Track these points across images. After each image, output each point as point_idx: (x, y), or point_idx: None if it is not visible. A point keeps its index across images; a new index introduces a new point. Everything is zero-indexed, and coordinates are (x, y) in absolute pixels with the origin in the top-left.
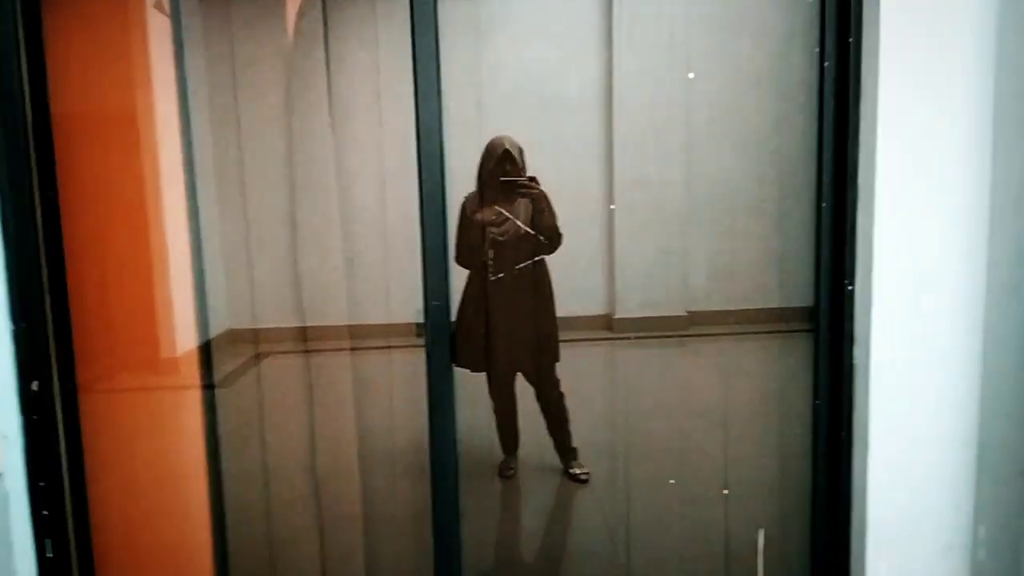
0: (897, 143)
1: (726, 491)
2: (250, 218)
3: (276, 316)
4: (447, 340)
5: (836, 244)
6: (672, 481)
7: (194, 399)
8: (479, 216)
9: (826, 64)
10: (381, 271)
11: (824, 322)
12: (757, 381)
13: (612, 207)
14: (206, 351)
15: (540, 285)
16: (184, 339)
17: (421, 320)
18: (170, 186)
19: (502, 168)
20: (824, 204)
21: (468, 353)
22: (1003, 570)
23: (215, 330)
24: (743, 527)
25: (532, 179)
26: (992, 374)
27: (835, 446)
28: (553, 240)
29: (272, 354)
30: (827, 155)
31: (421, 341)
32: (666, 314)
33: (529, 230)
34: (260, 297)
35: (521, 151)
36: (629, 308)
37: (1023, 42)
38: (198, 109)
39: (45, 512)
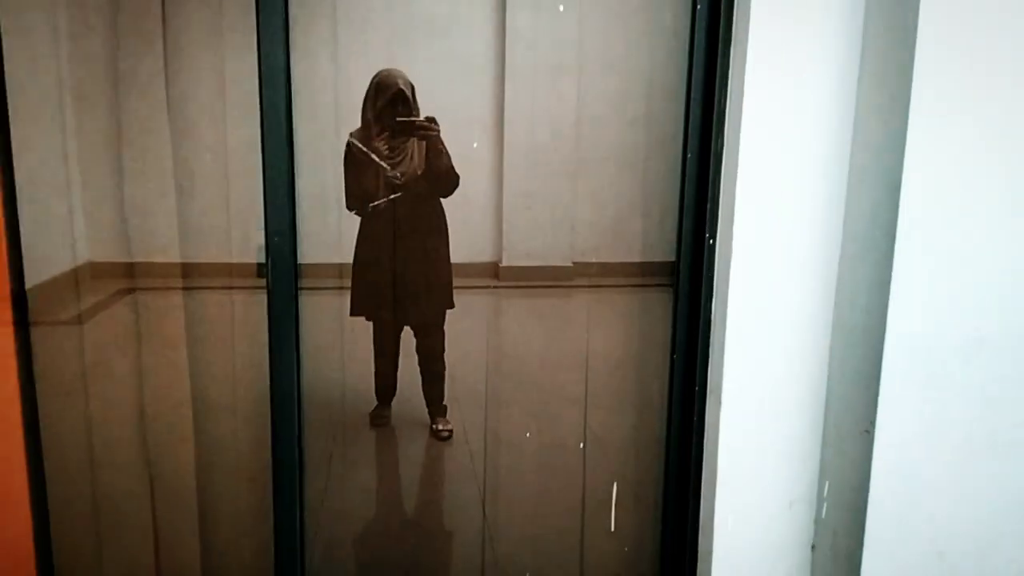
0: (765, 91)
1: (582, 445)
2: (68, 150)
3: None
4: (290, 279)
5: (700, 197)
6: (528, 434)
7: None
8: (370, 156)
9: (698, 6)
10: (219, 203)
11: (684, 276)
12: (624, 334)
13: (475, 145)
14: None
15: (436, 230)
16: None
17: (262, 260)
18: None
19: (394, 108)
20: (690, 155)
21: (364, 301)
22: (844, 525)
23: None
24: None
25: (431, 119)
26: (841, 333)
27: (688, 401)
28: (450, 181)
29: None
30: (695, 101)
31: (262, 283)
32: (553, 264)
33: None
34: (83, 231)
35: (413, 88)
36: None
37: None
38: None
39: None
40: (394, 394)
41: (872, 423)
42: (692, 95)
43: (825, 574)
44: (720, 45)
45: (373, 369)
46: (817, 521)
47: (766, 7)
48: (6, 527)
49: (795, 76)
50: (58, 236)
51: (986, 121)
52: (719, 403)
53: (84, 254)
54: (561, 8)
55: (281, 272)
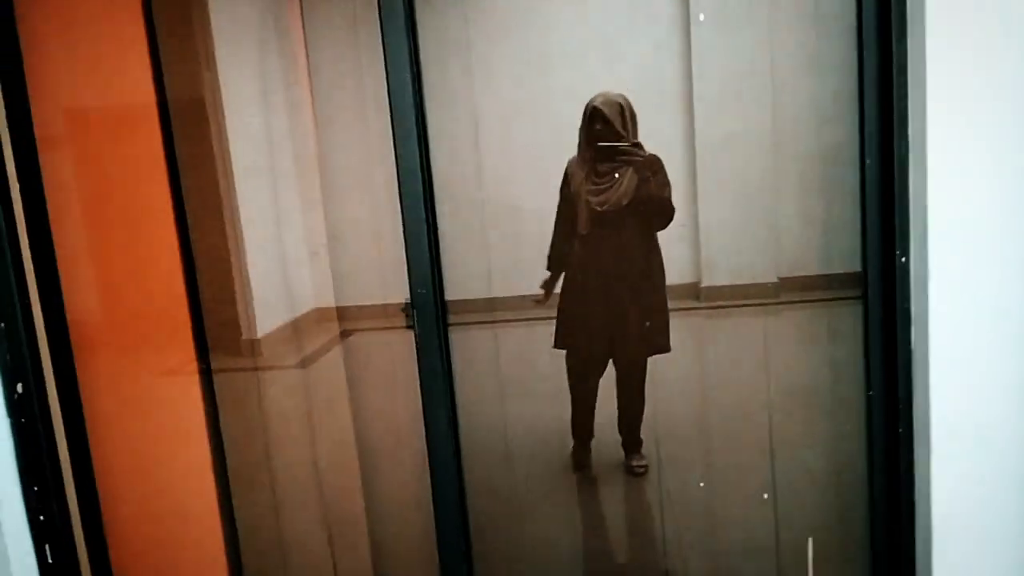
0: (950, 86)
1: (766, 495)
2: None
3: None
4: (435, 329)
5: (884, 208)
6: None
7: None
8: (576, 183)
9: None
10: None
11: (875, 300)
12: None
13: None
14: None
15: (648, 264)
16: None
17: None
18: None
19: (593, 129)
20: (868, 161)
21: (566, 336)
22: None
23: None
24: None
25: (636, 144)
26: None
27: (892, 445)
28: (663, 212)
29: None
30: (870, 101)
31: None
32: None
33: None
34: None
35: (623, 109)
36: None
37: None
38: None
39: (41, 517)
40: (592, 435)
41: None
42: (865, 91)
43: None
44: (893, 29)
45: (571, 408)
46: None
47: None
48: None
49: (986, 64)
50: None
51: None
52: (928, 449)
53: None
54: (701, 17)
55: (426, 323)
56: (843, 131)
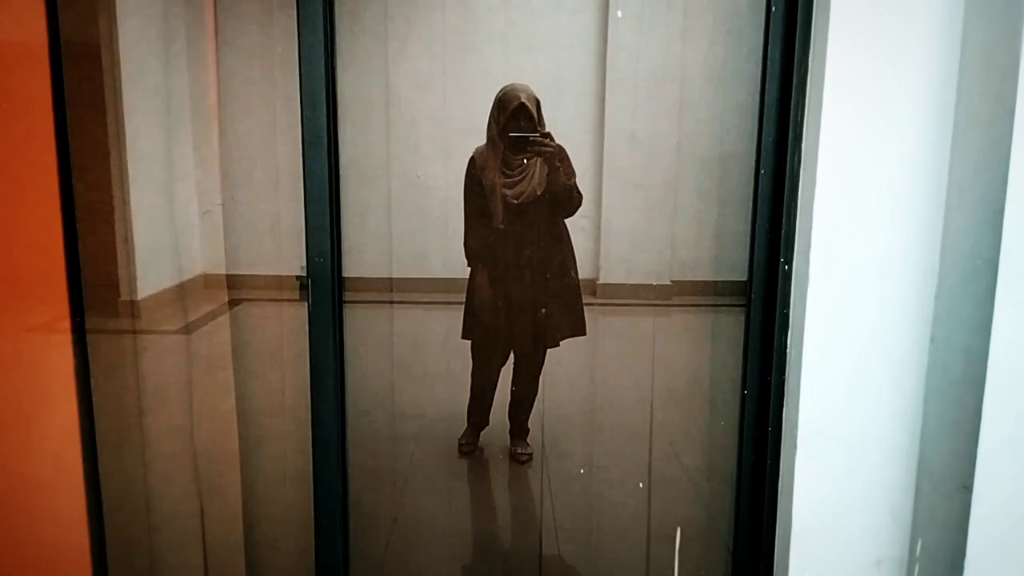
0: (848, 105)
1: (641, 484)
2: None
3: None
4: (330, 303)
5: (773, 217)
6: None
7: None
8: (488, 175)
9: (773, 9)
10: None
11: (757, 304)
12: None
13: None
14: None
15: (560, 252)
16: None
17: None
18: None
19: (516, 124)
20: (763, 171)
21: (477, 328)
22: None
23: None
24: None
25: (546, 135)
26: (937, 378)
27: (761, 443)
28: (572, 201)
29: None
30: (769, 115)
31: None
32: (650, 282)
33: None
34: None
35: (538, 103)
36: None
37: None
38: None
39: None
40: (487, 423)
41: (970, 479)
42: (766, 105)
43: None
44: (797, 50)
45: (470, 395)
46: None
47: (848, 10)
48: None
49: (883, 88)
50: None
51: None
52: (794, 447)
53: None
54: (619, 14)
55: (321, 295)
56: (742, 141)
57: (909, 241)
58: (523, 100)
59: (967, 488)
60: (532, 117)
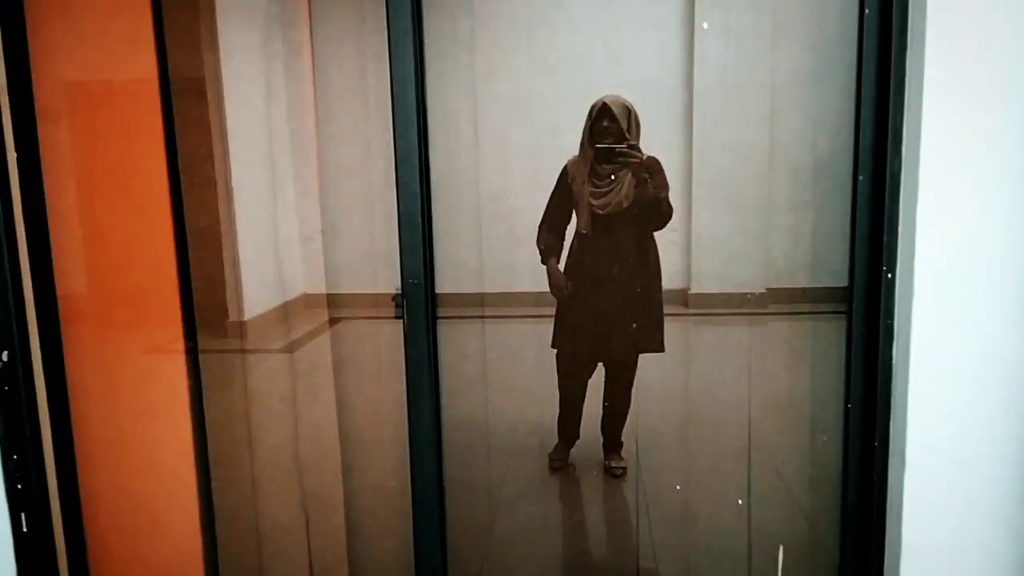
0: (948, 108)
1: (741, 502)
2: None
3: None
4: (424, 321)
5: (874, 224)
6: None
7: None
8: (578, 184)
9: (867, 11)
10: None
11: (859, 315)
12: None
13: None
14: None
15: (645, 265)
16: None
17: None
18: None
19: (600, 125)
20: (861, 177)
21: (565, 336)
22: None
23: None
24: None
25: (632, 145)
26: None
27: (867, 459)
28: (662, 213)
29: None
30: (866, 118)
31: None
32: (744, 291)
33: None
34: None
35: (629, 111)
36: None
37: None
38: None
39: (19, 486)
40: (578, 437)
41: None
42: (862, 109)
43: None
44: (893, 51)
45: (559, 408)
46: None
47: (946, 12)
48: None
49: (982, 89)
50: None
51: None
52: (903, 463)
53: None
54: (705, 26)
55: (416, 315)
56: (838, 147)
57: (1017, 245)
58: (606, 101)
59: None
60: (615, 118)
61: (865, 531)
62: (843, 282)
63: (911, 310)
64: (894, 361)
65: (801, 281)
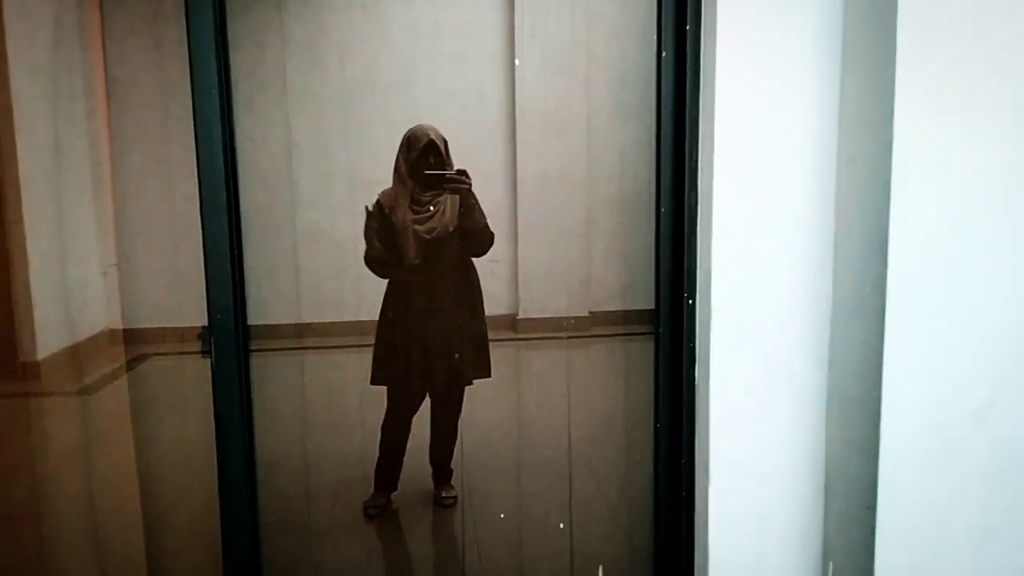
0: (738, 143)
1: (562, 525)
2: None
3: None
4: (234, 356)
5: (675, 253)
6: (502, 516)
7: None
8: (398, 214)
9: (663, 55)
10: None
11: (665, 338)
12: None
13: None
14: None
15: (470, 292)
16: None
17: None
18: None
19: (426, 161)
20: (663, 209)
21: (389, 370)
22: None
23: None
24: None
25: (461, 172)
26: (837, 401)
27: (676, 476)
28: (485, 239)
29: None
30: (665, 154)
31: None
32: (569, 315)
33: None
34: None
35: (446, 142)
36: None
37: (868, 39)
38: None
39: None
40: (398, 479)
41: (873, 499)
42: (662, 146)
43: None
44: (688, 91)
45: (379, 451)
46: None
47: (734, 55)
48: None
49: (769, 126)
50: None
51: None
52: (707, 477)
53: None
54: (517, 62)
55: (224, 352)
56: (645, 178)
57: (803, 272)
58: (432, 138)
59: (871, 508)
60: (441, 154)
61: (675, 544)
62: (652, 305)
63: (709, 333)
64: (697, 382)
65: (619, 304)
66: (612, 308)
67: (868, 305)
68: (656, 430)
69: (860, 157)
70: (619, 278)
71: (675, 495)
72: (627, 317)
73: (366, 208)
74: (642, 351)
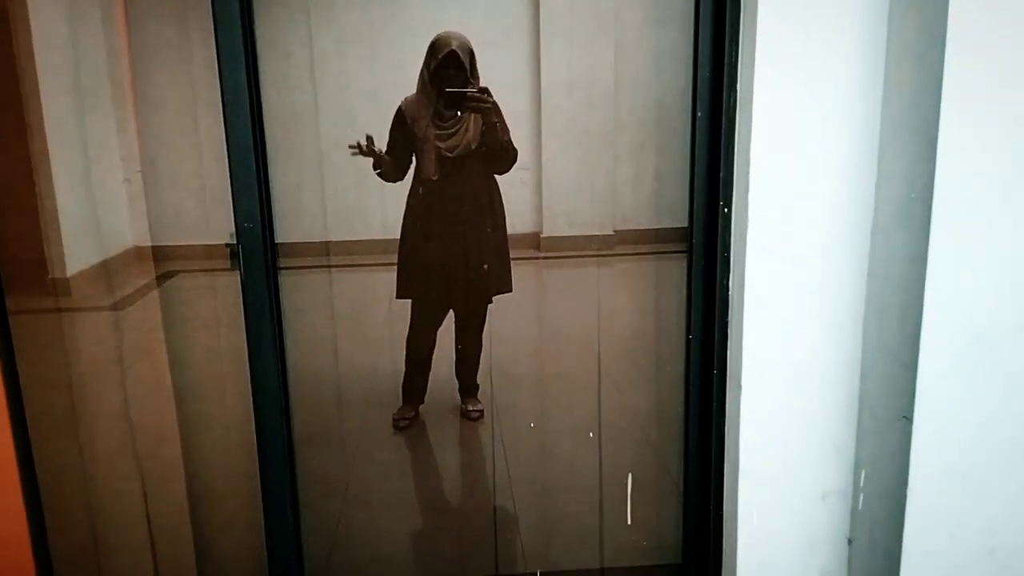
0: (781, 44)
1: (592, 434)
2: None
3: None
4: (263, 270)
5: (711, 160)
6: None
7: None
8: (420, 126)
9: None
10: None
11: (698, 250)
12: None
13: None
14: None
15: (492, 207)
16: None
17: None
18: None
19: (445, 71)
20: (699, 114)
21: (413, 284)
22: (883, 517)
23: None
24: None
25: (484, 90)
26: (875, 310)
27: (707, 386)
28: (508, 156)
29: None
30: (703, 57)
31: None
32: (594, 233)
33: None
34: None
35: (472, 53)
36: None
37: None
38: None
39: None
40: (424, 394)
41: (911, 409)
42: (699, 48)
43: (863, 570)
44: None
45: (405, 366)
46: (854, 513)
47: None
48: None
49: (815, 22)
50: None
51: None
52: (739, 387)
53: None
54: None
55: (253, 262)
56: (679, 84)
57: (845, 177)
58: (454, 47)
59: (907, 418)
60: (463, 66)
61: (706, 456)
62: (684, 223)
63: (745, 242)
64: (730, 292)
65: (647, 222)
66: (640, 226)
67: (913, 211)
68: (688, 342)
69: (911, 55)
70: (647, 196)
71: (706, 405)
72: (656, 235)
73: (358, 145)
74: (671, 268)
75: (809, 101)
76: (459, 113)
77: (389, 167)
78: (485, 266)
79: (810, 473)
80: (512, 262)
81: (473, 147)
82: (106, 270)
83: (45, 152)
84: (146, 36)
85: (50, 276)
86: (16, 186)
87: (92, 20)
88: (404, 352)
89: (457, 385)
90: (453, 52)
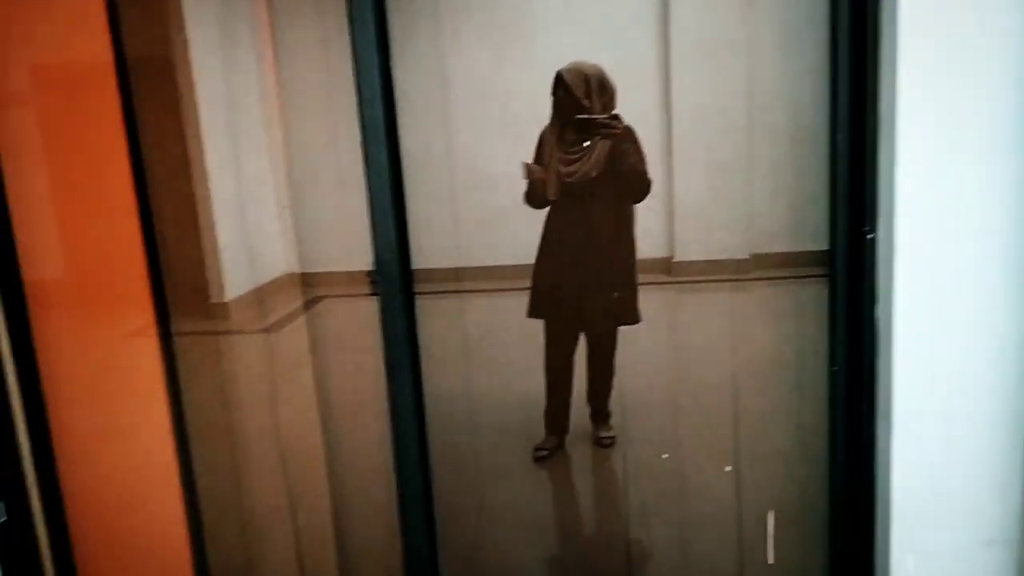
0: (925, 62)
1: (728, 468)
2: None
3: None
4: (399, 297)
5: (854, 183)
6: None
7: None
8: (547, 151)
9: None
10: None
11: (841, 276)
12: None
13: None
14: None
15: (617, 236)
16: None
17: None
18: None
19: (555, 95)
20: (840, 135)
21: (544, 303)
22: None
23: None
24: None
25: (613, 116)
26: None
27: (854, 421)
28: (639, 186)
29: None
30: (842, 75)
31: None
32: (728, 257)
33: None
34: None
35: (588, 78)
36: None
37: None
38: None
39: None
40: (567, 426)
41: None
42: (839, 68)
43: None
44: (868, 8)
45: (546, 391)
46: (1021, 565)
47: None
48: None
49: (962, 38)
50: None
51: None
52: (889, 424)
53: None
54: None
55: (391, 292)
56: (816, 107)
57: (1003, 202)
58: (563, 74)
59: None
60: (569, 89)
61: (854, 495)
62: (824, 245)
63: (893, 270)
64: (877, 322)
65: (785, 246)
66: (776, 250)
67: None
68: (831, 373)
69: None
70: (784, 219)
71: (854, 441)
72: (793, 259)
73: (524, 165)
74: (809, 294)
75: (956, 120)
76: (586, 141)
77: (534, 190)
78: (616, 294)
79: (973, 519)
80: (642, 287)
81: (594, 174)
82: (260, 296)
83: (207, 188)
84: (292, 82)
85: (211, 301)
86: (182, 220)
87: (248, 70)
88: (540, 378)
89: (589, 412)
90: (561, 79)
